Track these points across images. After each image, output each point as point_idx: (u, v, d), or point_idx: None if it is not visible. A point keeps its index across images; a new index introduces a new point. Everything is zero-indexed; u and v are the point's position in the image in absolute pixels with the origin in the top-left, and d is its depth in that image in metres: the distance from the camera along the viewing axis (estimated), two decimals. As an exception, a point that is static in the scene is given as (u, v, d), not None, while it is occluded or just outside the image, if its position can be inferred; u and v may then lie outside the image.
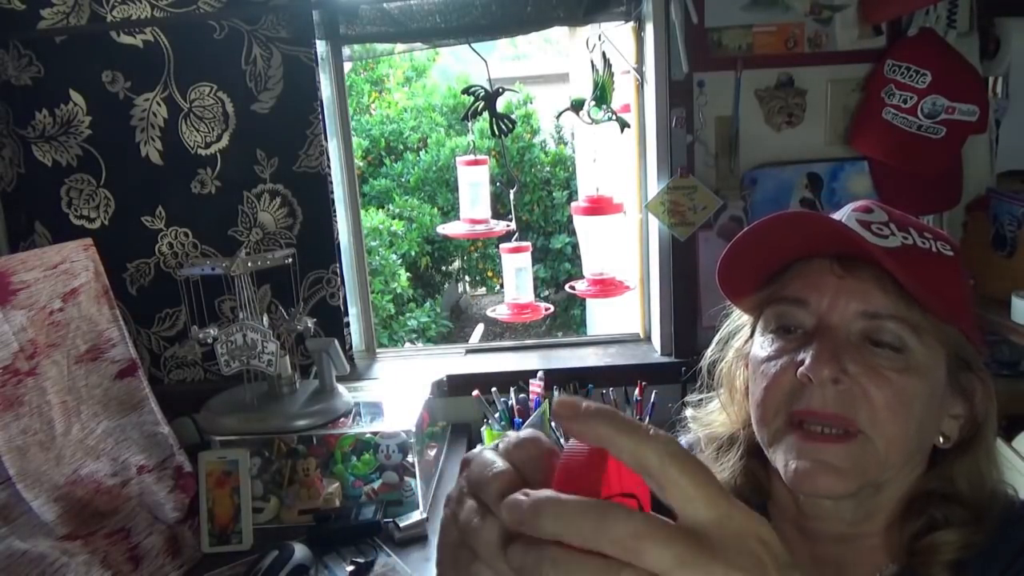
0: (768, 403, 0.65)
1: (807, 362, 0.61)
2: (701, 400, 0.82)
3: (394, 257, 5.33)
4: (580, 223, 1.82)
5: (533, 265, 1.85)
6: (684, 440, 0.82)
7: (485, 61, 1.75)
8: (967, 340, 0.66)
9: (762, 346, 0.68)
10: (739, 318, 0.77)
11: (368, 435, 1.50)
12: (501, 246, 1.83)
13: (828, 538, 0.70)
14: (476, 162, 1.76)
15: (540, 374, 1.66)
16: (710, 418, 0.79)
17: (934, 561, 0.63)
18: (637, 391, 1.61)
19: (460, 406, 1.75)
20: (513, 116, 1.74)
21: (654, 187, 1.72)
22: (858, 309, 0.63)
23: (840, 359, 0.61)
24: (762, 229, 0.64)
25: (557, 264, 5.91)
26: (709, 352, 0.79)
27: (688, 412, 0.82)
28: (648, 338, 1.92)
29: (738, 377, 0.75)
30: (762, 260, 0.68)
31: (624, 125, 1.70)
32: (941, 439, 0.67)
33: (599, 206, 1.73)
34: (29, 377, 1.21)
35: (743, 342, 0.75)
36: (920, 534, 0.64)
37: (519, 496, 0.31)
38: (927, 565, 0.63)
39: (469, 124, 1.77)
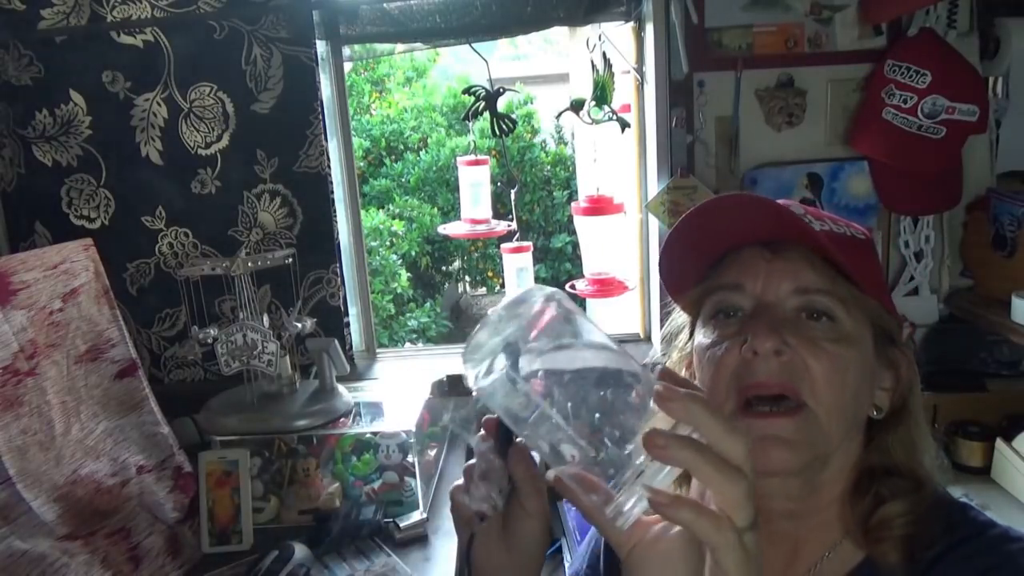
0: (718, 385, 0.68)
1: (750, 338, 0.65)
2: None
3: (394, 257, 5.33)
4: (580, 223, 1.82)
5: (534, 265, 1.85)
6: None
7: (485, 61, 1.75)
8: (888, 314, 0.70)
9: (705, 335, 0.71)
10: (679, 317, 0.79)
11: (368, 435, 1.50)
12: (502, 246, 1.83)
13: (779, 516, 0.73)
14: (477, 162, 1.76)
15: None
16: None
17: (887, 537, 0.66)
18: (637, 391, 1.61)
19: (460, 406, 1.75)
20: (513, 116, 1.74)
21: (654, 187, 1.72)
22: (791, 286, 0.67)
23: (780, 332, 0.65)
24: (705, 211, 0.67)
25: (557, 264, 5.91)
26: (655, 353, 0.81)
27: None
28: (648, 338, 1.92)
29: None
30: (699, 252, 0.72)
31: (624, 125, 1.70)
32: (874, 411, 0.70)
33: (599, 206, 1.73)
34: (29, 377, 1.21)
35: (684, 342, 0.78)
36: (870, 511, 0.67)
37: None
38: (881, 542, 0.66)
39: (469, 124, 1.77)
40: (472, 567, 0.64)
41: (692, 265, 0.74)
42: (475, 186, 1.77)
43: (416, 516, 1.39)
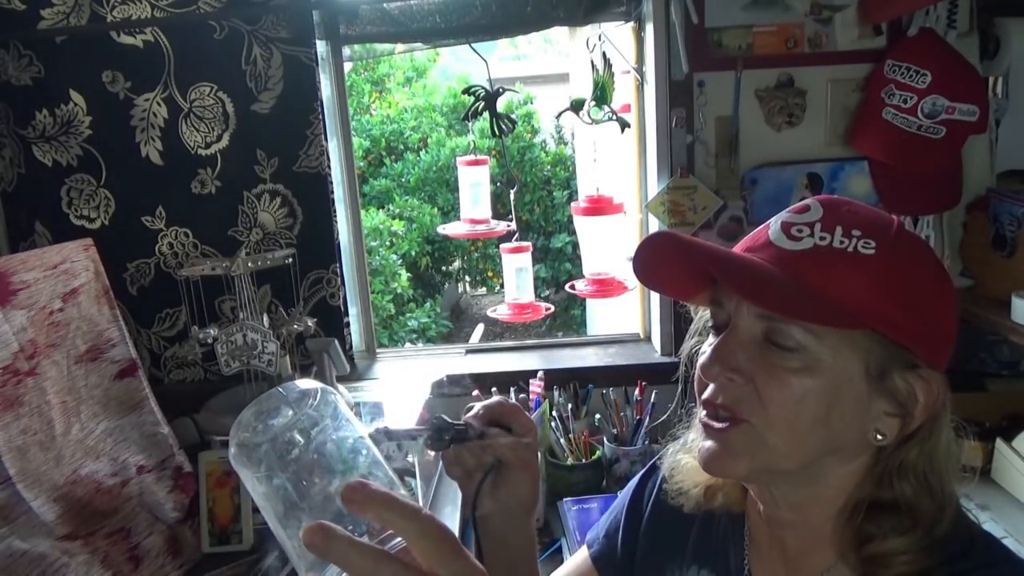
0: (698, 393, 0.72)
1: (700, 360, 0.69)
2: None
3: (394, 257, 5.33)
4: (580, 223, 1.82)
5: (533, 265, 1.85)
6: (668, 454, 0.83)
7: (485, 61, 1.75)
8: (889, 339, 0.64)
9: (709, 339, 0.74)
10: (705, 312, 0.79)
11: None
12: (501, 246, 1.83)
13: (779, 523, 0.74)
14: (476, 162, 1.75)
15: (540, 374, 1.65)
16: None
17: (885, 575, 0.64)
18: (637, 391, 1.61)
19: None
20: (513, 116, 1.74)
21: (654, 187, 1.72)
22: (755, 311, 0.66)
23: (729, 358, 0.67)
24: (643, 254, 0.69)
25: (557, 264, 5.92)
26: (686, 347, 0.79)
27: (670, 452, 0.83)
28: (648, 338, 1.92)
29: None
30: (675, 283, 0.73)
31: (624, 125, 1.70)
32: (879, 436, 0.66)
33: (599, 206, 1.73)
34: (29, 377, 1.21)
35: None
36: (862, 538, 0.66)
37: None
38: None
39: (469, 124, 1.77)
40: (476, 514, 0.74)
41: (683, 283, 0.73)
42: (475, 186, 1.77)
43: (416, 516, 1.39)
